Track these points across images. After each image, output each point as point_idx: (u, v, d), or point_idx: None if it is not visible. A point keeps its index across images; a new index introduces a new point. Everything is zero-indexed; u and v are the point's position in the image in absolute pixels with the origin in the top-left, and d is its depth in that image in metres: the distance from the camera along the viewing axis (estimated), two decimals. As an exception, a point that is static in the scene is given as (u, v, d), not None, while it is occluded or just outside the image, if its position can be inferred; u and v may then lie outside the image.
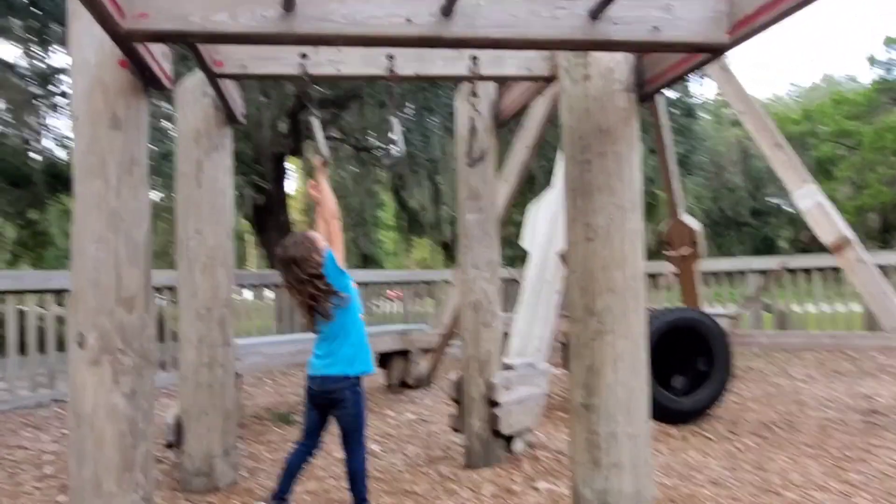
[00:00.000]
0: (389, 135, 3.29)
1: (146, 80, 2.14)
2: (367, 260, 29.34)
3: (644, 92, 2.63)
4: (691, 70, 2.49)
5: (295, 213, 28.22)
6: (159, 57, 2.29)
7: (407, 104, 13.59)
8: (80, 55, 2.12)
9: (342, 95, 13.97)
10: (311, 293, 3.14)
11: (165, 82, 2.17)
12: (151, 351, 2.14)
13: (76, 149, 2.07)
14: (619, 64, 2.49)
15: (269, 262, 14.72)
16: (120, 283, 2.06)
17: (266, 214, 14.40)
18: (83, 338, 2.03)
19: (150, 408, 2.13)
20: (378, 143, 15.37)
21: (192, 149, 3.86)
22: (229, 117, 3.98)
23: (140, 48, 2.09)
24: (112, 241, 2.05)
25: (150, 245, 2.16)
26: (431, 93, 12.97)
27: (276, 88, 12.50)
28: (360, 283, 11.45)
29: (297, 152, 14.95)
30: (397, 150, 3.29)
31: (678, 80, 2.55)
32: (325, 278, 3.16)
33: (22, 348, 6.85)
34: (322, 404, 3.30)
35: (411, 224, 24.40)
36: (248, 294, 10.92)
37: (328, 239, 3.20)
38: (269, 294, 10.69)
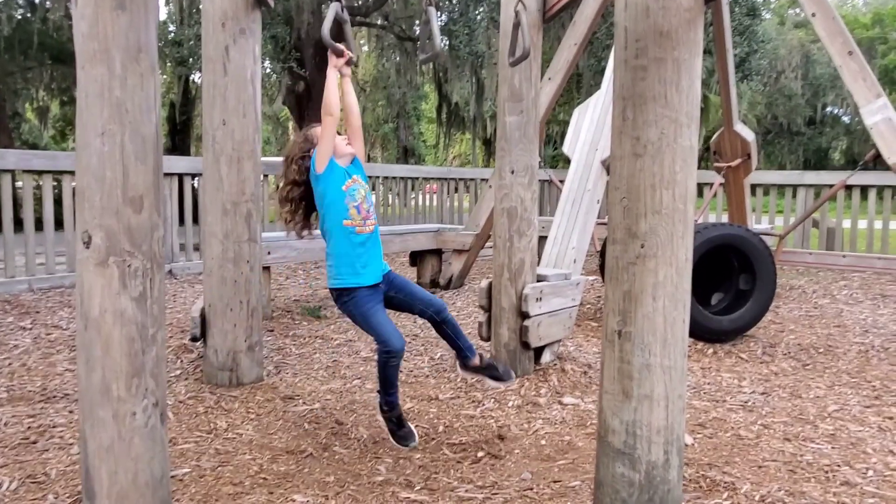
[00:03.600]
0: (425, 27, 3.01)
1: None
2: (407, 152, 29.12)
3: (712, -11, 2.33)
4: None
5: (336, 102, 27.82)
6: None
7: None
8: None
9: (385, -20, 13.36)
10: (292, 190, 3.13)
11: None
12: (162, 254, 2.02)
13: (76, 31, 1.88)
14: (687, -45, 2.18)
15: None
16: (127, 181, 1.91)
17: (307, 102, 14.13)
18: (89, 237, 1.92)
19: (160, 313, 2.03)
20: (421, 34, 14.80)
21: (218, 33, 3.64)
22: (258, 0, 3.73)
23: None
24: (118, 135, 1.89)
25: (159, 140, 1.99)
26: (478, -20, 12.30)
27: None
28: (398, 178, 11.25)
29: (341, 38, 14.46)
30: (433, 44, 3.01)
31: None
32: (301, 186, 3.10)
33: (59, 226, 6.91)
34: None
35: (453, 118, 23.99)
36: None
37: (324, 137, 3.00)
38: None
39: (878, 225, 9.37)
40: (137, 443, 2.04)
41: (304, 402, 3.73)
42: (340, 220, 3.02)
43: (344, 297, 3.06)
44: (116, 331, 1.95)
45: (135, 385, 1.99)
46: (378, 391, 3.16)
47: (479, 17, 13.55)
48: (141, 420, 2.04)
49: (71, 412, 3.48)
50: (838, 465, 2.97)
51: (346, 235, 3.03)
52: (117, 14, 1.85)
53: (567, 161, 5.74)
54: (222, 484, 2.73)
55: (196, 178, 8.49)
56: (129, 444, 2.03)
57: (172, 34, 12.72)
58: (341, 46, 2.99)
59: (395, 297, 3.19)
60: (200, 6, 3.72)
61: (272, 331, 5.27)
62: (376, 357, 3.07)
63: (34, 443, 3.09)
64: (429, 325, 5.51)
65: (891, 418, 3.59)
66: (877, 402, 3.87)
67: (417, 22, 14.83)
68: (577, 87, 15.93)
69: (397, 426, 3.15)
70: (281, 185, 3.16)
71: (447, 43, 13.89)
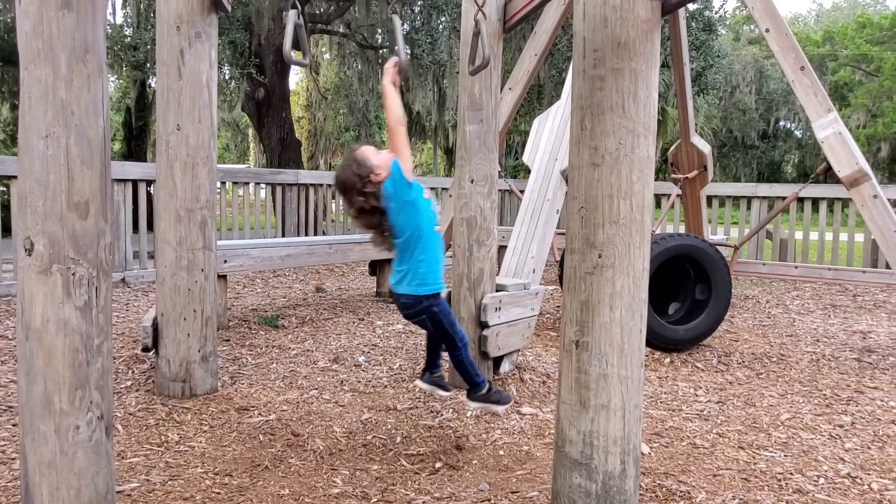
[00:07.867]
0: (391, 36, 3.00)
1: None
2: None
3: (669, 2, 2.35)
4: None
5: (298, 109, 27.64)
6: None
7: (414, 2, 12.93)
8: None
9: (347, -12, 13.30)
10: (366, 219, 2.99)
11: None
12: (109, 262, 1.95)
13: (20, 30, 1.81)
14: (644, -33, 2.20)
15: (268, 158, 14.38)
16: (72, 186, 1.85)
17: (267, 109, 13.97)
18: (31, 244, 1.84)
19: (106, 323, 1.96)
20: (384, 42, 14.77)
21: (173, 36, 3.56)
22: (214, 4, 3.67)
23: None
24: (62, 138, 1.82)
25: (107, 144, 1.93)
26: (441, -10, 12.31)
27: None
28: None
29: (298, 45, 14.32)
30: (399, 54, 3.00)
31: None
32: (375, 196, 2.92)
33: (7, 232, 6.71)
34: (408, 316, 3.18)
35: (414, 127, 23.96)
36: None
37: (393, 148, 2.92)
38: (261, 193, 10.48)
39: (828, 236, 9.61)
40: (81, 457, 1.97)
41: (259, 413, 3.65)
42: (433, 226, 3.00)
43: (433, 302, 3.06)
44: (59, 341, 1.87)
45: (78, 397, 1.92)
46: (472, 381, 3.26)
47: (441, 27, 13.57)
48: (85, 434, 1.96)
49: (14, 426, 3.35)
50: (791, 473, 3.01)
51: (439, 241, 3.02)
52: (63, 13, 1.79)
53: (528, 171, 5.76)
54: (172, 499, 2.66)
55: (151, 185, 8.32)
56: (71, 458, 1.95)
57: (129, 38, 12.47)
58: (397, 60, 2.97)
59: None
60: (156, 9, 3.65)
61: (228, 340, 5.17)
62: (452, 357, 3.24)
63: (-26, 457, 2.97)
64: (388, 335, 5.51)
65: (841, 426, 3.66)
66: (828, 410, 3.94)
67: (380, 30, 14.80)
68: (539, 97, 16.06)
69: (493, 390, 3.28)
70: (354, 213, 3.05)
71: (409, 52, 13.88)
